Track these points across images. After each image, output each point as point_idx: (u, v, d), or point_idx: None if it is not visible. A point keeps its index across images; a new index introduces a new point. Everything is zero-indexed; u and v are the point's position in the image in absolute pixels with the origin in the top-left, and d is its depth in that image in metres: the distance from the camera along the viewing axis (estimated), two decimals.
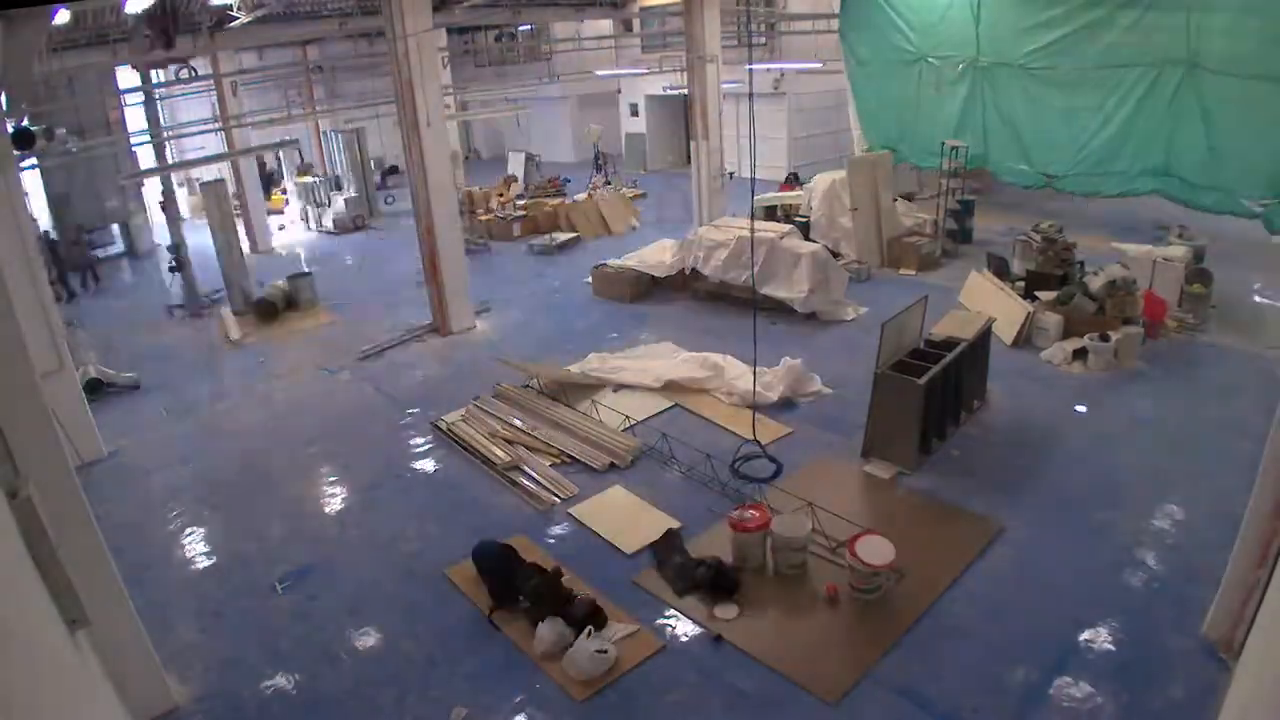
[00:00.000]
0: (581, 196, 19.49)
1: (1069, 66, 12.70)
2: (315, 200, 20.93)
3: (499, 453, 8.41)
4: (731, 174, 17.89)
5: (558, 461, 8.36)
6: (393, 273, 15.87)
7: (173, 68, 20.12)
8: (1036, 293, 10.77)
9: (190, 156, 20.18)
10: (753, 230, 9.74)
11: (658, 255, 13.73)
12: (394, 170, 25.76)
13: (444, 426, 9.26)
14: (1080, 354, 9.68)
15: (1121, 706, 5.04)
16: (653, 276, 13.43)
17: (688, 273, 13.07)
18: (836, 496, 7.26)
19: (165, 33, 12.03)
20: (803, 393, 9.37)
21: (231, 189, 16.51)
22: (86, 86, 17.19)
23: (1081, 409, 8.78)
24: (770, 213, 15.54)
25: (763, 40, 21.60)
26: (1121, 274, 10.14)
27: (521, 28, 24.94)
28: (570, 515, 7.47)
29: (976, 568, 6.37)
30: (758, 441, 8.05)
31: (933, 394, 7.69)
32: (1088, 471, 7.60)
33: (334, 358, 11.83)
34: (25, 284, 8.13)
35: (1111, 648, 5.51)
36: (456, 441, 8.92)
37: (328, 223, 20.45)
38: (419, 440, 9.19)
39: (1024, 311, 10.38)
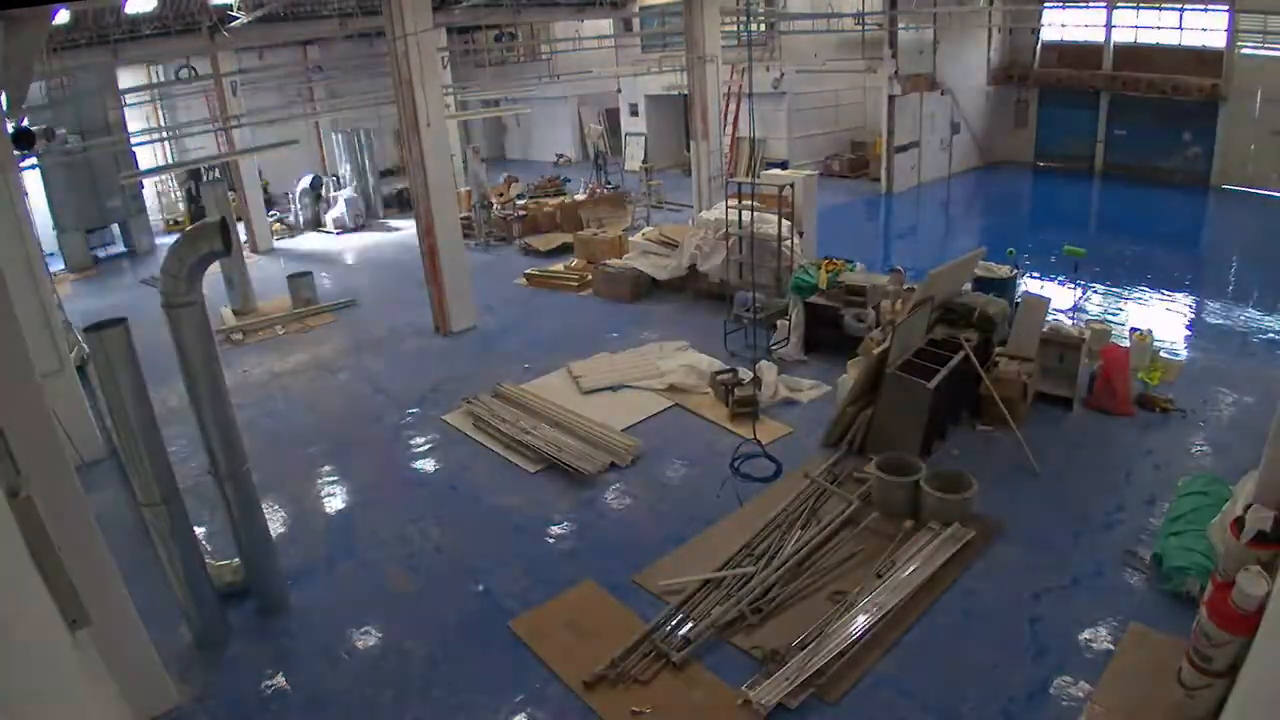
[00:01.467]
0: (581, 197, 19.51)
1: None
2: None
3: (531, 437, 8.61)
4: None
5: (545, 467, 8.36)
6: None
7: (173, 68, 20.22)
8: None
9: (187, 156, 20.22)
10: (753, 226, 9.75)
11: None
12: (390, 172, 25.61)
13: (452, 422, 9.32)
14: None
15: None
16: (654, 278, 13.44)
17: (684, 272, 13.06)
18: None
19: None
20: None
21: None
22: (88, 86, 17.22)
23: None
24: None
25: (763, 41, 21.61)
26: None
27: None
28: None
29: (976, 567, 6.38)
30: (758, 441, 8.05)
31: (939, 395, 7.70)
32: (1086, 467, 7.62)
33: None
34: (26, 284, 8.14)
35: (1112, 646, 5.51)
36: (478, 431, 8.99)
37: (329, 223, 20.47)
38: (419, 440, 9.22)
39: None
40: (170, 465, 5.84)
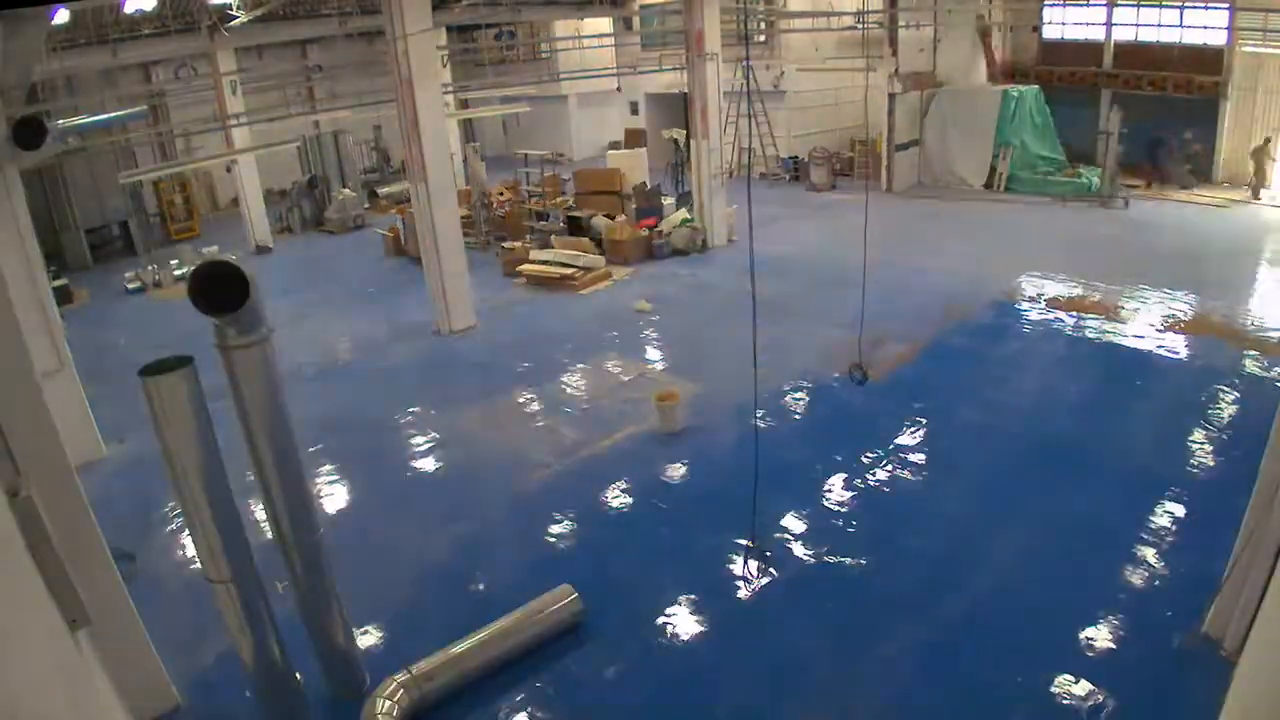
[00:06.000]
0: None
1: None
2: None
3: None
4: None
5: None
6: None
7: (173, 68, 20.19)
8: None
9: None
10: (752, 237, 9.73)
11: None
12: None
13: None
14: None
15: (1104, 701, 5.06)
16: None
17: None
18: None
19: None
20: None
21: None
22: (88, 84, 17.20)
23: None
24: None
25: (762, 38, 21.58)
26: None
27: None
28: None
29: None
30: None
31: None
32: None
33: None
34: (25, 283, 8.11)
35: (1114, 645, 5.49)
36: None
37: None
38: (420, 439, 9.22)
39: None
40: (245, 539, 4.82)
